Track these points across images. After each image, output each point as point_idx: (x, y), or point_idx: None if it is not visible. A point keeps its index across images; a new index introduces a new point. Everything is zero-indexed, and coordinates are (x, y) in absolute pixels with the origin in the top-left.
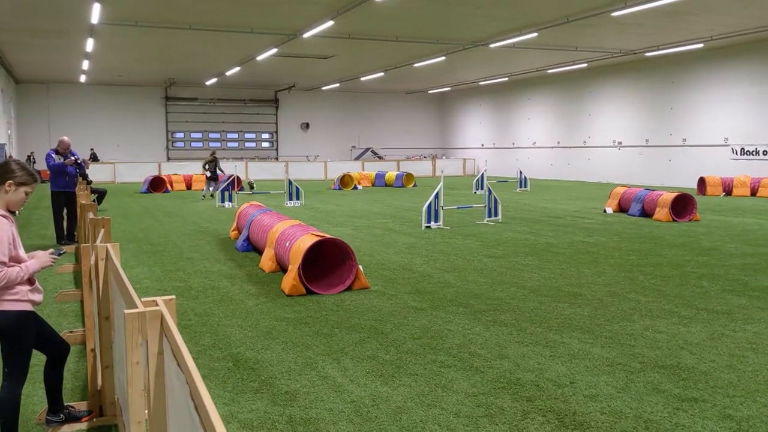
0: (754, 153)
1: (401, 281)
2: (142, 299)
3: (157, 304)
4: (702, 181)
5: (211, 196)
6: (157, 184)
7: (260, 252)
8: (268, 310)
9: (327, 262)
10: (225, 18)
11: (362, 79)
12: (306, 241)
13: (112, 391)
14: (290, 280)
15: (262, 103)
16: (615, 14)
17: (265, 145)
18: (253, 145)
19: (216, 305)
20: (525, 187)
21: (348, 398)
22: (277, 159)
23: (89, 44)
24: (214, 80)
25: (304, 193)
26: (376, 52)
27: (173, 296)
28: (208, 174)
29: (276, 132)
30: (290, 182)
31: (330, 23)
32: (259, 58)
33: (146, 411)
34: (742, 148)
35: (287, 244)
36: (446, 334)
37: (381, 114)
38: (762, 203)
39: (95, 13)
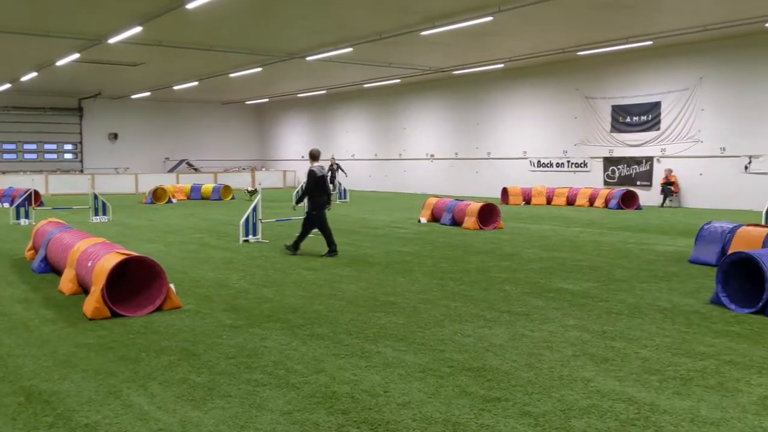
0: (548, 165)
1: (216, 298)
2: None
3: None
4: (505, 191)
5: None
6: None
7: (60, 273)
8: (67, 336)
9: (135, 282)
10: (15, 19)
11: (175, 88)
12: (110, 260)
13: None
14: (93, 302)
15: (64, 111)
16: (423, 33)
17: (68, 156)
18: (54, 156)
19: (6, 334)
20: (345, 198)
21: (155, 426)
22: (81, 171)
23: None
24: (7, 86)
25: (112, 208)
26: (189, 60)
27: None
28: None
29: (80, 143)
30: (96, 196)
31: (138, 29)
32: (60, 63)
33: None
34: (539, 161)
35: (89, 264)
36: (262, 352)
37: (196, 125)
38: (556, 211)
39: None
